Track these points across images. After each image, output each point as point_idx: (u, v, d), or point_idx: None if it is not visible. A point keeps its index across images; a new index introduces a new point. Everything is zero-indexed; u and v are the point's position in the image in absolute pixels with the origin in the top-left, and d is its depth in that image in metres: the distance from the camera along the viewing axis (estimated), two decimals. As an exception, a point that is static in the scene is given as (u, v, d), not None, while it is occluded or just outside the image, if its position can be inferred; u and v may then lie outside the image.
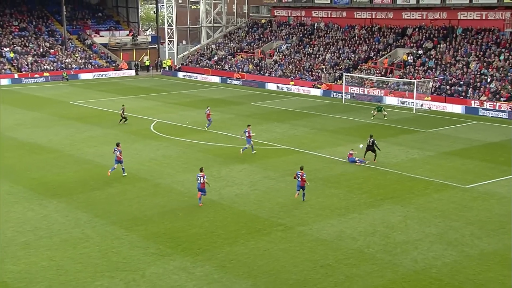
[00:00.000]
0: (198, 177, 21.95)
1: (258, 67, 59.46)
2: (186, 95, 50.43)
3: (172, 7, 66.19)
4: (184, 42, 75.10)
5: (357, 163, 27.48)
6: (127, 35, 71.85)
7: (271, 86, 53.42)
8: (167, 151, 30.39)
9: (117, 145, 25.64)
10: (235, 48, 65.13)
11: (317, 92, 50.21)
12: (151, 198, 23.01)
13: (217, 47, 67.35)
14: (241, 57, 63.01)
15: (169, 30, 67.20)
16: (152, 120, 38.74)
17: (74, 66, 63.11)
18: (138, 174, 26.24)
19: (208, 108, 36.29)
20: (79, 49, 66.65)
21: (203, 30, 70.85)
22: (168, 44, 67.75)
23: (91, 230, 19.88)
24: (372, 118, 37.63)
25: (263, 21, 67.49)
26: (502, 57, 43.70)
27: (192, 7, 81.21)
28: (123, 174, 25.59)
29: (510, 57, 43.31)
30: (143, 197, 23.14)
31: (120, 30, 72.25)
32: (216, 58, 64.66)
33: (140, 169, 27.08)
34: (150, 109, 43.00)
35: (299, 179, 22.38)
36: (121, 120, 36.56)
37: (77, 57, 64.78)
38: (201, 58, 66.49)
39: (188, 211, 21.63)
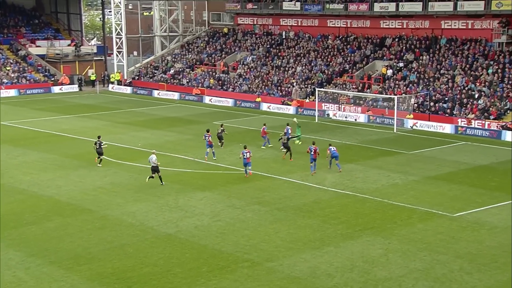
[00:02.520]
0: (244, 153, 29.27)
1: (220, 82, 59.75)
2: (138, 114, 50.26)
3: (121, 14, 66.13)
4: (135, 53, 74.96)
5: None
6: (69, 45, 71.22)
7: (273, 108, 51.84)
8: (116, 178, 30.13)
9: (207, 131, 33.43)
10: (194, 60, 65.39)
11: (287, 109, 50.70)
12: (96, 233, 22.64)
13: (173, 59, 67.47)
14: (201, 70, 63.26)
15: (117, 40, 66.99)
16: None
17: (5, 80, 61.97)
18: (81, 205, 25.82)
19: (265, 125, 37.18)
20: (11, 61, 65.57)
21: (157, 39, 70.94)
22: (117, 55, 67.46)
23: (25, 273, 19.32)
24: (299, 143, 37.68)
25: (225, 29, 68.16)
26: (490, 71, 45.28)
27: (145, 13, 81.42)
28: (214, 158, 32.56)
29: (499, 70, 44.92)
30: (87, 232, 22.75)
31: (60, 40, 71.54)
32: (172, 71, 64.72)
33: (84, 199, 26.66)
34: (96, 130, 42.47)
35: (312, 153, 29.60)
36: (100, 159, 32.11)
37: (8, 70, 63.65)
38: (155, 71, 66.44)
39: (139, 247, 21.36)
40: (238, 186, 28.85)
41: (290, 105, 51.21)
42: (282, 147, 34.03)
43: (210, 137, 33.32)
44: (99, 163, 31.94)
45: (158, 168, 28.59)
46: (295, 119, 39.40)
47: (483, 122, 40.96)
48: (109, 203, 26.14)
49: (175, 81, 62.86)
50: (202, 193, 27.73)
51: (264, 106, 51.95)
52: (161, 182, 28.72)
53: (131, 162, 33.24)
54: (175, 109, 53.12)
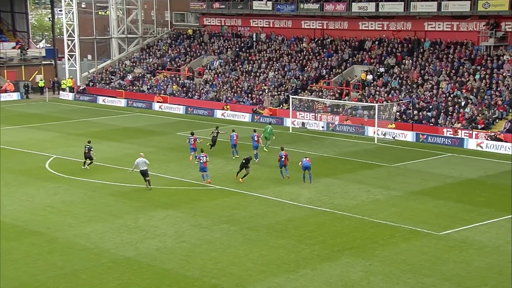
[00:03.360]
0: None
1: (184, 88, 59.64)
2: (93, 124, 49.86)
3: (73, 13, 65.58)
4: (89, 57, 74.32)
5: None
6: (13, 47, 70.19)
7: (201, 112, 53.73)
8: (67, 196, 29.78)
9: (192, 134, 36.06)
10: (155, 64, 65.19)
11: (243, 117, 50.71)
12: (45, 257, 22.26)
13: (132, 64, 67.13)
14: (163, 75, 63.07)
15: (69, 42, 66.38)
16: (48, 156, 37.77)
17: None
18: (28, 227, 25.38)
19: (233, 131, 38.10)
20: None
21: (114, 42, 70.50)
22: (69, 59, 66.82)
23: (-38, 303, 18.83)
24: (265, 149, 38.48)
25: (190, 31, 68.19)
26: (477, 76, 46.22)
27: (100, 13, 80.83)
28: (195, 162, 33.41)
29: (486, 76, 45.88)
30: (34, 257, 22.35)
31: (3, 42, 70.44)
32: (131, 77, 64.37)
33: (31, 220, 26.22)
34: (45, 142, 41.88)
35: (282, 159, 31.13)
36: (85, 162, 34.48)
37: None
38: (112, 77, 66.00)
39: (94, 273, 21.08)
40: (205, 203, 28.73)
41: (262, 113, 51.38)
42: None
43: (196, 140, 36.19)
44: (86, 166, 34.47)
45: (147, 172, 30.27)
46: (269, 126, 40.30)
47: (470, 132, 41.70)
48: (60, 224, 25.75)
49: (134, 88, 62.51)
50: (165, 211, 27.53)
51: (218, 114, 52.64)
52: (149, 186, 30.44)
53: (84, 177, 32.85)
54: (134, 119, 52.78)
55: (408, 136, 42.96)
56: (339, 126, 46.01)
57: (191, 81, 60.63)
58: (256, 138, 36.42)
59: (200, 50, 64.55)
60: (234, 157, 36.95)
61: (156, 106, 56.98)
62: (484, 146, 39.98)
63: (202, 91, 58.09)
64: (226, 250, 23.09)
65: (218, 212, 27.41)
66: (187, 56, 64.57)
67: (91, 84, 66.18)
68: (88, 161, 34.52)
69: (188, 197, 29.76)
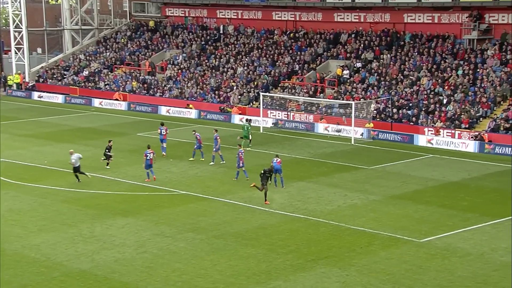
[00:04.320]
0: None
1: (145, 85, 59.31)
2: (44, 124, 49.35)
3: (20, 2, 64.71)
4: (39, 50, 73.39)
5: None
6: (-48, 39, 69.02)
7: (164, 110, 53.62)
8: (15, 203, 29.43)
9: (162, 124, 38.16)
10: (113, 59, 64.72)
11: (227, 118, 50.84)
12: (-10, 272, 21.91)
13: (87, 58, 66.53)
14: (122, 71, 62.64)
15: (16, 34, 65.50)
16: (-8, 159, 37.26)
17: None
18: (-29, 238, 24.96)
19: (194, 131, 38.24)
20: None
21: (66, 34, 69.80)
22: (16, 53, 65.92)
23: None
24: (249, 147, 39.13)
25: (151, 23, 67.85)
26: (460, 72, 46.95)
27: (50, 1, 79.84)
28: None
29: (470, 71, 46.63)
30: (-22, 271, 21.98)
31: None
32: (86, 72, 63.81)
33: (-26, 230, 25.80)
34: (-11, 144, 41.26)
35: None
36: (106, 158, 35.98)
37: None
38: (65, 72, 65.32)
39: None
40: (168, 210, 28.62)
41: (229, 112, 51.42)
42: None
43: (167, 131, 38.22)
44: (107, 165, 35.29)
45: (79, 168, 31.07)
46: (246, 123, 41.06)
47: (453, 131, 42.33)
48: (7, 235, 25.37)
49: (90, 84, 61.97)
50: (124, 219, 27.36)
51: (163, 110, 53.31)
52: (78, 180, 31.85)
53: (34, 183, 32.47)
54: (90, 118, 52.33)
55: (354, 133, 43.84)
56: (287, 123, 46.68)
57: (153, 77, 60.34)
58: (217, 139, 36.29)
59: (162, 44, 64.29)
60: (192, 158, 36.82)
61: (96, 102, 57.67)
62: (434, 143, 41.32)
63: (164, 88, 57.84)
64: (191, 260, 23.02)
65: (182, 220, 27.31)
66: (148, 50, 64.24)
67: (41, 80, 65.37)
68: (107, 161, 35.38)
69: (150, 204, 29.60)
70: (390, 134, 43.58)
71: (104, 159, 35.63)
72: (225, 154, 36.81)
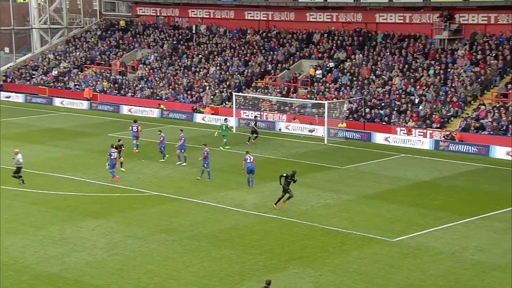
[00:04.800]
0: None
1: (116, 85, 58.90)
2: (12, 125, 48.75)
3: (-13, 0, 63.85)
4: (6, 49, 72.46)
5: None
6: None
7: (126, 110, 53.88)
8: (-18, 206, 28.98)
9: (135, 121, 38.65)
10: (83, 58, 64.17)
11: (198, 117, 50.74)
12: (-43, 276, 21.58)
13: (56, 57, 65.86)
14: (92, 71, 62.13)
15: (-17, 33, 64.43)
16: (-41, 160, 36.68)
17: None
18: None
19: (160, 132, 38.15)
20: None
21: (35, 33, 68.97)
22: (-17, 52, 64.90)
23: None
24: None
25: (122, 23, 67.38)
26: (431, 72, 47.44)
27: (18, 0, 78.83)
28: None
29: (441, 71, 47.15)
30: None
31: None
32: (55, 72, 63.16)
33: None
34: (-44, 145, 40.61)
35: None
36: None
37: None
38: (34, 72, 64.56)
39: (15, 292, 20.61)
40: (140, 212, 28.46)
41: (202, 112, 51.32)
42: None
43: (139, 128, 38.72)
44: (120, 167, 34.58)
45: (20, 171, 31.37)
46: (225, 123, 41.50)
47: (425, 131, 42.76)
48: (-25, 237, 25.05)
49: (59, 84, 61.35)
50: (95, 221, 27.16)
51: (125, 109, 53.59)
52: (22, 181, 31.80)
53: (3, 185, 32.03)
54: (60, 119, 51.85)
55: (320, 131, 44.64)
56: (245, 124, 47.06)
57: (124, 77, 59.95)
58: (182, 139, 36.23)
59: (134, 43, 63.91)
60: (163, 159, 36.75)
61: (57, 101, 57.66)
62: (391, 140, 42.22)
63: (136, 88, 57.51)
64: (163, 262, 22.92)
65: (154, 221, 27.18)
66: (119, 49, 63.81)
67: (8, 80, 64.53)
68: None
69: (121, 205, 29.41)
70: (347, 132, 44.26)
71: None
72: (196, 155, 36.69)
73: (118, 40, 65.20)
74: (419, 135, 42.73)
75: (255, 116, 44.27)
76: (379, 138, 43.09)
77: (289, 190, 28.34)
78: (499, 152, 39.07)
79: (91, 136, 44.73)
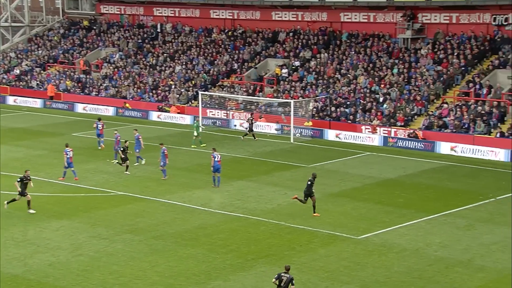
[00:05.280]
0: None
1: (80, 84, 58.31)
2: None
3: None
4: (-33, 48, 71.08)
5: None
6: None
7: (80, 108, 54.06)
8: None
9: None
10: (46, 57, 63.37)
11: (166, 117, 50.55)
12: None
13: (18, 56, 64.89)
14: (55, 70, 61.40)
15: None
16: None
17: None
18: None
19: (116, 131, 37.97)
20: None
21: (-4, 31, 67.87)
22: None
23: None
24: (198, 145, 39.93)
25: (86, 22, 66.66)
26: (395, 70, 48.01)
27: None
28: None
29: (404, 70, 47.74)
30: None
31: None
32: (17, 71, 62.22)
33: None
34: None
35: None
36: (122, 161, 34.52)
37: None
38: (-4, 70, 63.55)
39: (-23, 295, 20.31)
40: (105, 212, 28.27)
41: (168, 111, 51.14)
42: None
43: (104, 126, 39.21)
44: (126, 171, 34.13)
45: None
46: (196, 121, 42.19)
47: (389, 129, 43.25)
48: None
49: (21, 83, 60.48)
50: (59, 221, 26.92)
51: (79, 108, 53.93)
52: None
53: (-36, 186, 31.54)
54: (22, 118, 51.17)
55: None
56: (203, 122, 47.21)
57: (88, 75, 59.37)
58: (139, 139, 36.00)
59: (98, 42, 63.33)
60: (113, 161, 36.38)
61: (10, 100, 57.45)
62: (342, 137, 43.24)
63: (100, 87, 57.01)
64: (129, 262, 22.82)
65: (120, 221, 27.03)
66: (83, 48, 63.17)
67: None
68: (123, 163, 34.21)
69: (86, 205, 29.17)
70: (304, 130, 44.73)
71: (117, 162, 34.48)
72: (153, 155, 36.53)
73: (81, 38, 64.54)
74: (383, 133, 43.19)
75: (252, 114, 45.01)
76: (330, 135, 43.85)
77: (312, 195, 27.73)
78: (444, 147, 40.13)
79: (55, 135, 44.23)
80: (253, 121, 43.83)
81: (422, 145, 40.91)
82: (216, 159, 31.60)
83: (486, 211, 29.05)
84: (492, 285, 21.47)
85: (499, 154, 38.60)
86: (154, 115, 50.82)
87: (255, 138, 43.06)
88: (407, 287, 21.31)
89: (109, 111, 52.35)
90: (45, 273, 21.90)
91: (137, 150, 35.86)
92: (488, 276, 22.06)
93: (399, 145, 41.54)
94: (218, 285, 21.23)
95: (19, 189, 27.77)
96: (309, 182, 27.87)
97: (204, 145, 40.52)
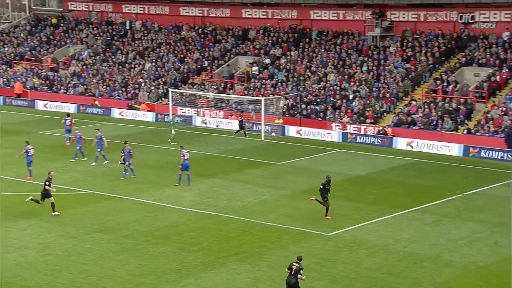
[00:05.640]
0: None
1: (48, 82, 57.66)
2: None
3: None
4: None
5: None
6: None
7: (41, 105, 53.88)
8: None
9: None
10: (12, 54, 62.49)
11: (137, 115, 50.26)
12: None
13: (-15, 53, 63.90)
14: (22, 67, 60.60)
15: None
16: None
17: None
18: None
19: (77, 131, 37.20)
20: None
21: (-40, 28, 66.75)
22: None
23: None
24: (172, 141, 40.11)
25: (54, 20, 65.88)
26: (365, 68, 48.36)
27: None
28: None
29: (374, 67, 48.13)
30: None
31: None
32: (-16, 68, 61.27)
33: None
34: None
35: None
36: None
37: None
38: (-40, 68, 62.49)
39: None
40: (74, 211, 28.05)
41: (138, 109, 50.84)
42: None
43: (72, 121, 39.69)
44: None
45: None
46: (171, 117, 42.57)
47: (359, 126, 43.58)
48: None
49: (-12, 80, 59.60)
50: (26, 221, 26.66)
51: (40, 105, 53.84)
52: None
53: None
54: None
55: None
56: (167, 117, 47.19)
57: (56, 73, 58.72)
58: (102, 138, 35.69)
59: (66, 39, 62.65)
60: (74, 160, 36.10)
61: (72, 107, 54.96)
62: (302, 133, 44.02)
63: (69, 84, 56.44)
64: (98, 261, 22.68)
65: (89, 220, 26.85)
66: (50, 45, 62.44)
67: None
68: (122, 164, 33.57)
69: (55, 204, 28.86)
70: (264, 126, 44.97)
71: (121, 163, 33.63)
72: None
73: (49, 35, 63.78)
74: (353, 130, 43.49)
75: (242, 112, 45.28)
76: (291, 131, 44.39)
77: (326, 199, 27.34)
78: (400, 143, 40.88)
79: (22, 134, 43.58)
80: (243, 120, 44.04)
81: (380, 141, 41.61)
82: (185, 157, 31.52)
83: (454, 207, 29.47)
84: (459, 279, 21.80)
85: (452, 149, 39.33)
86: (116, 112, 50.53)
87: (245, 136, 43.45)
88: (376, 283, 21.52)
89: (71, 108, 51.82)
90: (12, 273, 21.66)
91: (99, 150, 35.52)
92: (456, 271, 22.41)
93: (358, 140, 42.22)
94: (189, 283, 21.21)
95: (53, 189, 27.35)
96: (321, 186, 27.33)
97: (175, 143, 40.42)
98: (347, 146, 41.43)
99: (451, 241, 25.17)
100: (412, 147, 40.47)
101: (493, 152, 38.43)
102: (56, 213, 27.29)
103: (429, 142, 40.23)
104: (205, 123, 47.46)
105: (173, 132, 41.51)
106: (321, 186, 27.35)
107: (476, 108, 42.87)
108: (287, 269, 19.37)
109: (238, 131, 43.87)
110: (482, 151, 38.60)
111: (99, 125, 41.78)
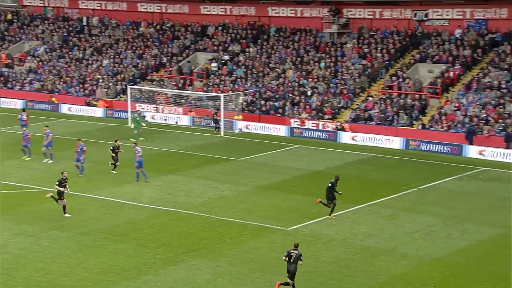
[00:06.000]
0: None
1: (2, 78, 56.56)
2: None
3: None
4: None
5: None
6: None
7: (18, 104, 52.23)
8: None
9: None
10: (-34, 50, 61.14)
11: (94, 111, 49.73)
12: None
13: None
14: (-23, 63, 59.38)
15: None
16: None
17: None
18: None
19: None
20: None
21: None
22: None
23: None
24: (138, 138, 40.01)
25: (9, 16, 64.60)
26: (322, 64, 48.72)
27: None
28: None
29: (331, 64, 48.51)
30: None
31: None
32: None
33: None
34: None
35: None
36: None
37: None
38: None
39: None
40: (30, 208, 27.65)
41: (96, 105, 50.28)
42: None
43: (28, 117, 39.47)
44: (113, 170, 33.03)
45: None
46: (136, 115, 42.20)
47: (318, 122, 43.90)
48: None
49: None
50: (-17, 220, 26.12)
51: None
52: None
53: None
54: None
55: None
56: (204, 120, 46.41)
57: (11, 69, 57.64)
58: (50, 136, 35.24)
59: (20, 35, 61.53)
60: (26, 158, 35.54)
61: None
62: (251, 128, 44.52)
63: (24, 81, 55.45)
64: (56, 259, 22.41)
65: (46, 218, 26.49)
66: (5, 41, 61.27)
67: None
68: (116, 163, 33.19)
69: (10, 202, 28.41)
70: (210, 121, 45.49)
71: (112, 163, 33.12)
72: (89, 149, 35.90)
73: (3, 31, 62.57)
74: (312, 126, 43.77)
75: (216, 109, 45.05)
76: (240, 125, 44.67)
77: (330, 201, 27.03)
78: (345, 137, 41.77)
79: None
80: (216, 117, 44.20)
81: (326, 135, 42.47)
82: (139, 154, 31.33)
83: (409, 201, 29.94)
84: (414, 271, 22.17)
85: (393, 143, 40.13)
86: (64, 108, 50.00)
87: (215, 131, 43.67)
88: (334, 276, 21.75)
89: (17, 104, 51.02)
90: (-32, 272, 21.23)
91: (50, 147, 35.02)
92: (411, 263, 22.79)
93: (304, 135, 42.91)
94: (148, 279, 21.10)
95: (67, 190, 26.75)
96: (329, 184, 27.16)
97: (134, 140, 40.01)
98: (294, 140, 41.84)
99: (407, 234, 25.57)
100: (356, 140, 41.19)
101: (431, 145, 39.30)
102: (67, 215, 26.64)
103: (363, 135, 41.23)
104: (154, 119, 47.30)
105: (135, 130, 41.01)
106: (329, 185, 27.13)
107: (430, 104, 43.60)
108: (284, 257, 20.00)
109: (217, 127, 43.84)
110: (422, 144, 39.52)
111: (48, 122, 41.20)
